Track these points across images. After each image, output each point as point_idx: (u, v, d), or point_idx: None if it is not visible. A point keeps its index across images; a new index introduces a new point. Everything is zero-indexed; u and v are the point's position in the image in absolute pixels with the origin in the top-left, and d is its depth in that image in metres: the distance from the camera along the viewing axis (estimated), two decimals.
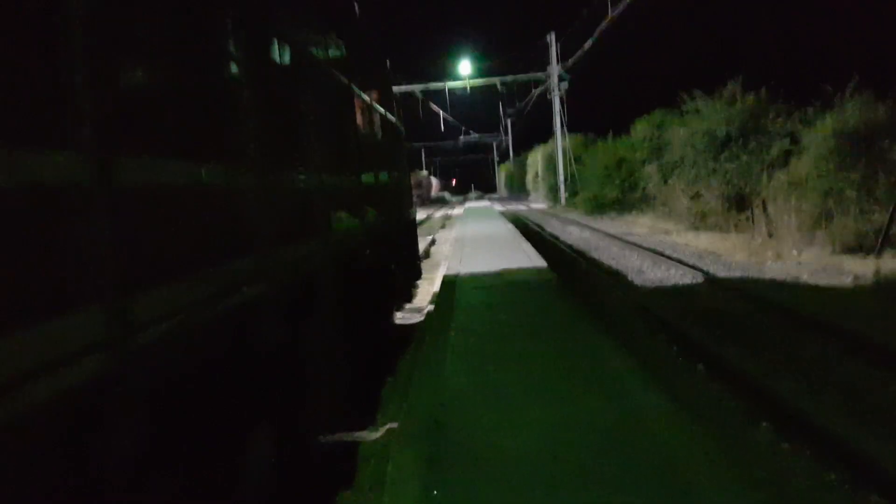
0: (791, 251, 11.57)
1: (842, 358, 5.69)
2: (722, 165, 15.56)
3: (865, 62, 15.71)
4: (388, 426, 3.71)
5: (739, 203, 15.23)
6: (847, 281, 9.00)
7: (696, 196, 16.92)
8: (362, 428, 3.75)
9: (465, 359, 4.96)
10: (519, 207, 40.76)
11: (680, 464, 2.95)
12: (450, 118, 44.49)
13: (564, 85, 35.01)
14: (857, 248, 10.62)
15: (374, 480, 3.20)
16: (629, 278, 10.81)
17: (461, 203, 53.16)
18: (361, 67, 5.97)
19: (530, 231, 20.64)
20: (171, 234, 1.76)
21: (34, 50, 1.26)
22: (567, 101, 35.36)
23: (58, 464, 1.26)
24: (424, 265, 12.09)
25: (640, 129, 23.00)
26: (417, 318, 7.71)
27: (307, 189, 3.38)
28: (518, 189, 60.85)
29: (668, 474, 2.86)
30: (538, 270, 9.49)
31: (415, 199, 16.18)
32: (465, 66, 36.58)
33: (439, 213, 36.65)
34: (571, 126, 35.26)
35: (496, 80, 36.40)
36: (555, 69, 35.07)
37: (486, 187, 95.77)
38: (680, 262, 11.46)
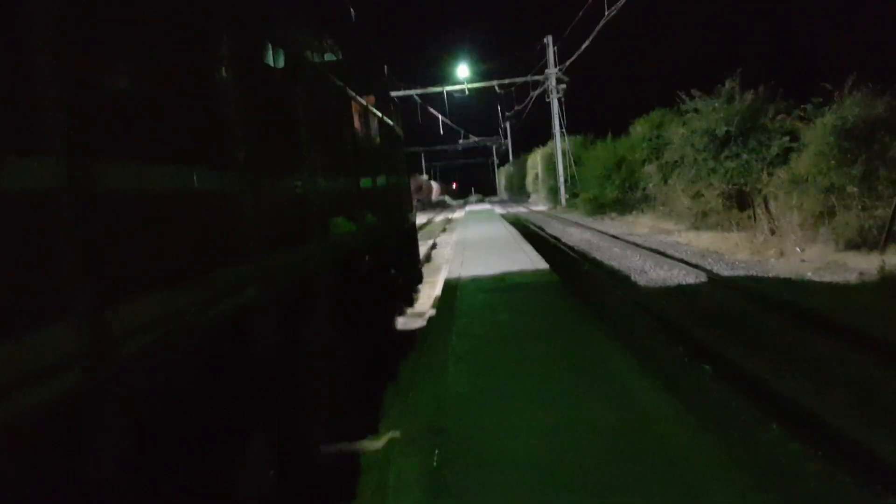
0: (794, 248, 11.50)
1: (850, 356, 5.62)
2: (722, 164, 15.52)
3: (863, 58, 15.69)
4: (389, 434, 3.66)
5: (741, 201, 15.17)
6: (852, 278, 8.93)
7: (696, 195, 16.86)
8: (364, 436, 3.70)
9: (468, 363, 4.91)
10: (519, 210, 40.73)
11: (686, 466, 2.90)
12: (449, 122, 44.56)
13: (563, 87, 35.02)
14: (861, 243, 10.56)
15: (376, 490, 3.15)
16: (632, 279, 10.74)
17: (462, 206, 53.17)
18: (358, 72, 5.94)
19: (531, 233, 20.59)
20: (156, 242, 1.70)
21: None
22: (566, 102, 35.40)
23: (33, 485, 1.21)
24: (426, 269, 12.05)
25: (640, 128, 22.98)
26: (419, 323, 7.66)
27: (302, 193, 3.34)
28: (518, 191, 60.89)
29: (674, 477, 2.81)
30: (540, 272, 9.44)
31: (416, 203, 16.17)
32: (462, 70, 36.65)
33: (440, 217, 36.63)
34: (571, 127, 35.29)
35: (494, 84, 36.42)
36: (552, 72, 35.08)
37: (487, 190, 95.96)
38: (682, 261, 11.40)
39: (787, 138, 14.23)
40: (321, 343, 3.48)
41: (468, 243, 15.44)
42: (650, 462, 2.97)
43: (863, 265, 9.39)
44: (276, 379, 2.65)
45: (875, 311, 6.86)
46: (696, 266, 10.70)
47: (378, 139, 6.70)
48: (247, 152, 2.37)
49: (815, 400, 4.69)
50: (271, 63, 3.17)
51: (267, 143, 2.83)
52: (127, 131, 1.63)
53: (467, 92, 36.54)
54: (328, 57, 4.67)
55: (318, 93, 4.12)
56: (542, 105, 36.85)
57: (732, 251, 12.52)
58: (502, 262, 10.76)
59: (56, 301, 1.24)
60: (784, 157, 13.99)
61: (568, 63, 32.56)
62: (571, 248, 15.99)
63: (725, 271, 10.36)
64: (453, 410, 3.86)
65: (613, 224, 22.02)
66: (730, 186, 15.27)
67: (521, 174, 58.66)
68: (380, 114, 6.86)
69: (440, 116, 41.74)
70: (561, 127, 35.19)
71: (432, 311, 7.70)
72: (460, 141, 64.65)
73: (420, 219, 23.95)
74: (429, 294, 9.65)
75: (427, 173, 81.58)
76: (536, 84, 36.68)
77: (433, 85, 36.07)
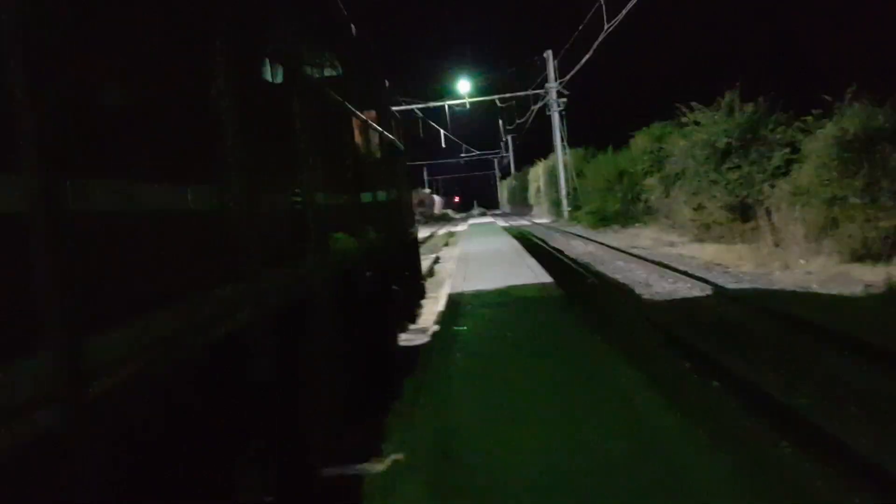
0: (798, 260, 11.40)
1: (859, 370, 5.52)
2: (724, 176, 15.48)
3: (863, 69, 15.68)
4: (393, 457, 3.56)
5: (744, 213, 15.10)
6: (857, 290, 8.82)
7: (699, 207, 16.80)
8: (366, 459, 3.60)
9: (472, 382, 4.83)
10: (522, 222, 40.71)
11: (695, 484, 2.81)
12: (451, 136, 44.73)
13: (563, 101, 35.13)
14: (865, 255, 10.46)
15: None
16: (636, 292, 10.65)
17: (464, 220, 53.20)
18: (358, 87, 5.91)
19: (534, 245, 20.52)
20: (139, 264, 1.63)
21: None
22: (566, 115, 35.48)
23: None
24: (429, 283, 11.96)
25: (641, 141, 22.98)
26: (422, 339, 7.57)
27: (300, 210, 3.27)
28: (520, 204, 60.91)
29: (684, 496, 2.74)
30: (543, 286, 9.36)
31: (418, 216, 16.10)
32: (464, 85, 36.84)
33: (443, 231, 36.60)
34: (572, 140, 35.35)
35: (495, 98, 36.58)
36: (553, 86, 35.20)
37: (489, 203, 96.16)
38: (687, 274, 11.30)
39: (788, 150, 14.20)
40: (321, 362, 3.40)
41: (471, 257, 15.37)
42: (664, 483, 2.91)
43: (868, 277, 9.29)
44: (275, 403, 2.56)
45: (881, 324, 6.75)
46: (701, 279, 10.60)
47: (379, 154, 6.65)
48: (241, 168, 2.30)
49: (829, 415, 4.58)
50: (268, 77, 3.12)
51: (263, 160, 2.77)
52: (112, 147, 1.56)
53: (468, 106, 36.73)
54: (328, 72, 4.63)
55: (318, 108, 4.07)
56: (544, 118, 36.97)
57: (737, 263, 12.42)
58: (506, 276, 10.68)
59: (30, 332, 1.16)
60: (786, 169, 13.95)
61: (568, 77, 32.71)
62: (575, 260, 15.90)
63: (731, 284, 10.26)
64: (458, 432, 3.78)
65: (616, 236, 21.95)
66: (732, 198, 15.21)
67: (523, 187, 58.71)
68: (381, 128, 6.82)
69: (442, 131, 41.93)
70: (562, 140, 35.25)
71: (435, 327, 7.61)
72: (462, 154, 64.94)
73: (422, 232, 23.92)
74: (432, 309, 9.56)
75: (429, 187, 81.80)
76: (537, 98, 36.83)
77: (434, 99, 36.28)
